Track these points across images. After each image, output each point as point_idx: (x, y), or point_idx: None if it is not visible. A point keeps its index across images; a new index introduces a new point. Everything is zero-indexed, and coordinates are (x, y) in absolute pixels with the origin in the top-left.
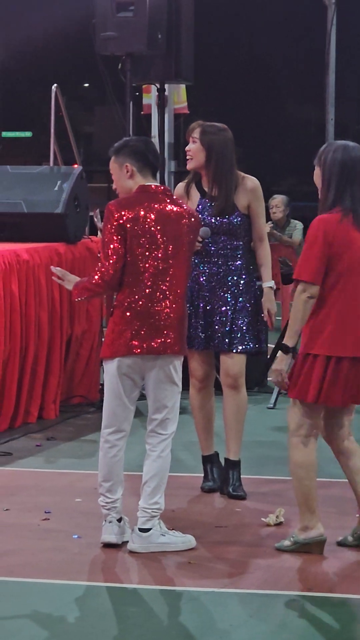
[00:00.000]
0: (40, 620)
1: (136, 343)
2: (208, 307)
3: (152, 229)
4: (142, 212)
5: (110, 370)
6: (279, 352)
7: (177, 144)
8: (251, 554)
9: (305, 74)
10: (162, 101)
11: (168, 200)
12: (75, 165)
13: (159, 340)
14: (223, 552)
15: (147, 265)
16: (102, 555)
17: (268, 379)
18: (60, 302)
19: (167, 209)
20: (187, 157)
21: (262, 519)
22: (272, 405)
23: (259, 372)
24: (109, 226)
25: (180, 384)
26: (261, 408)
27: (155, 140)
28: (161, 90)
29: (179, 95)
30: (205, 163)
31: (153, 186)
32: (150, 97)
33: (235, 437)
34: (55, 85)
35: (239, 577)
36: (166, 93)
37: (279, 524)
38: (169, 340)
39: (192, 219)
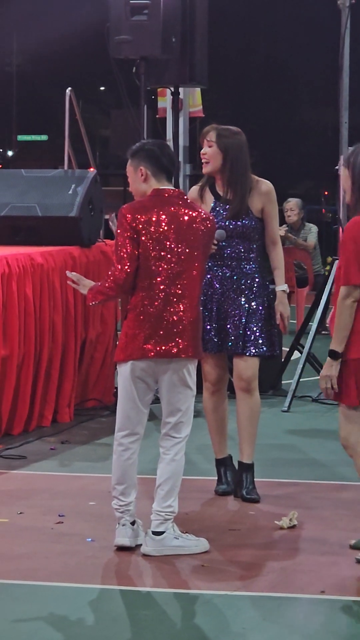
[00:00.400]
0: (53, 624)
1: (149, 347)
2: (222, 310)
3: (166, 232)
4: (155, 216)
5: (124, 373)
6: (328, 358)
7: (193, 147)
8: (264, 557)
9: (321, 78)
10: (176, 104)
11: (182, 204)
12: (90, 169)
13: (173, 344)
14: (236, 555)
15: (160, 269)
16: (115, 559)
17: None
18: (74, 306)
19: (180, 212)
20: (203, 161)
21: (276, 522)
22: (286, 408)
23: (274, 375)
24: (121, 230)
25: (194, 387)
26: (275, 411)
27: (170, 143)
28: (175, 94)
29: (194, 98)
30: (221, 167)
31: (167, 190)
32: (165, 101)
33: (248, 440)
34: (69, 89)
35: (252, 580)
36: (181, 96)
37: (292, 527)
38: (183, 343)
39: (207, 222)
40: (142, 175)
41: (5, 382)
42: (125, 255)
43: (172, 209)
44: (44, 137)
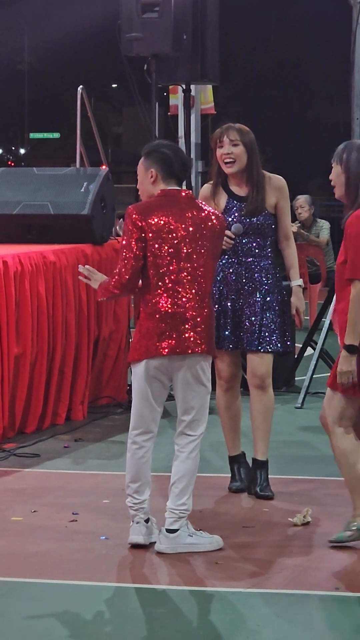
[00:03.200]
0: (68, 621)
1: (163, 344)
2: (237, 307)
3: (173, 231)
4: (162, 216)
5: (138, 373)
6: (344, 352)
7: (205, 144)
8: (278, 554)
9: (333, 74)
10: (187, 102)
11: (190, 204)
12: (102, 167)
13: (186, 341)
14: (250, 552)
15: (170, 267)
16: (129, 556)
17: (337, 381)
18: (87, 303)
19: (188, 211)
20: (227, 160)
21: (290, 518)
22: (299, 405)
23: (287, 371)
24: (127, 230)
25: (209, 385)
26: (289, 408)
27: (182, 140)
28: (187, 91)
29: (205, 95)
30: (246, 165)
31: (175, 190)
32: (177, 98)
33: (262, 437)
34: (81, 87)
35: (266, 577)
36: (192, 93)
37: (306, 524)
38: (196, 340)
39: (216, 221)
40: (151, 177)
41: (18, 380)
42: (129, 255)
43: (180, 208)
44: (56, 135)
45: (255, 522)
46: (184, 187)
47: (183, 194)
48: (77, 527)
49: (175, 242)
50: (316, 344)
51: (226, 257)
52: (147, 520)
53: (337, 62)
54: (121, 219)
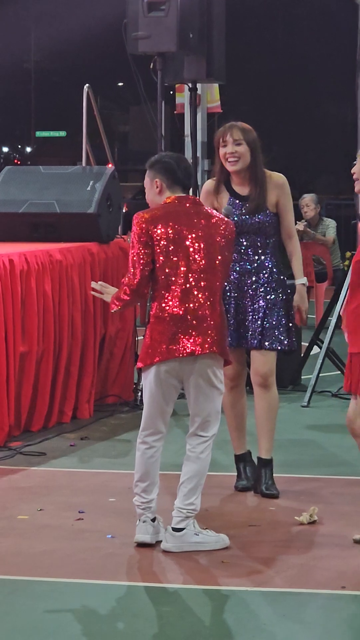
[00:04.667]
0: (74, 620)
1: (172, 347)
2: (240, 305)
3: (180, 236)
4: (169, 221)
5: (149, 377)
6: None
7: (211, 142)
8: (285, 553)
9: (340, 73)
10: (194, 100)
11: (197, 209)
12: (109, 165)
13: (195, 343)
14: (256, 551)
15: (178, 271)
16: (136, 555)
17: None
18: (93, 302)
19: (195, 216)
20: (232, 159)
21: (296, 517)
22: (306, 404)
23: (293, 370)
24: (135, 235)
25: (221, 387)
26: (295, 406)
27: (188, 139)
28: (193, 90)
29: (212, 94)
30: (250, 163)
31: (182, 196)
32: (183, 97)
33: (267, 435)
34: (87, 85)
35: (273, 576)
36: (199, 92)
37: (312, 523)
38: (206, 342)
39: (225, 226)
40: (157, 187)
41: (24, 378)
42: (138, 260)
43: (187, 213)
44: (63, 134)
45: (261, 521)
46: (190, 194)
47: (189, 199)
48: (84, 525)
49: (182, 246)
50: (322, 342)
51: None
52: (153, 520)
53: (343, 61)
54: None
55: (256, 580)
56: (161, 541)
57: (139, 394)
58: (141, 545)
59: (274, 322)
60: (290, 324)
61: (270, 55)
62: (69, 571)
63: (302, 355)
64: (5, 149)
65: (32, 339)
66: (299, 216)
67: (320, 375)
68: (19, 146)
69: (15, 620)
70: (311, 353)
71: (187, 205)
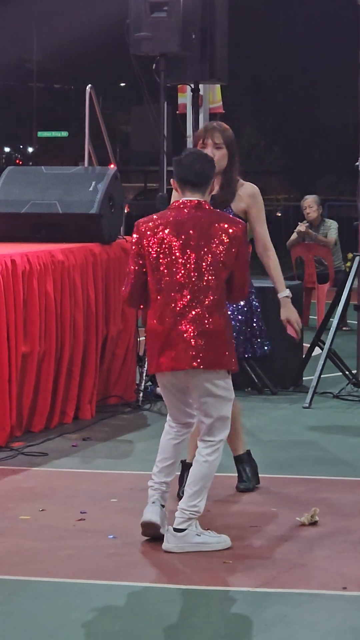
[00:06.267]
0: (76, 620)
1: (161, 360)
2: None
3: (171, 247)
4: (163, 230)
5: (158, 381)
6: None
7: None
8: (286, 554)
9: (341, 74)
10: (196, 101)
11: (199, 213)
12: (111, 165)
13: (175, 357)
14: (258, 551)
15: (163, 284)
16: (137, 556)
17: None
18: (95, 303)
19: (193, 223)
20: None
21: (297, 518)
22: (307, 405)
23: (295, 371)
24: (132, 246)
25: (227, 394)
26: (297, 407)
27: (190, 139)
28: (195, 90)
29: (214, 94)
30: (225, 168)
31: (183, 202)
32: (185, 97)
33: (234, 435)
34: (89, 85)
35: (274, 576)
36: (201, 93)
37: (314, 524)
38: (184, 357)
39: (225, 233)
40: (174, 186)
41: (26, 378)
42: (129, 270)
43: (184, 221)
44: (64, 134)
45: (263, 521)
46: (205, 194)
47: (191, 204)
48: (85, 525)
49: (171, 258)
50: (324, 343)
51: None
52: (162, 506)
53: (345, 62)
54: None
55: (257, 581)
56: (163, 540)
57: (141, 394)
58: (147, 526)
59: (262, 327)
60: (253, 331)
61: (272, 56)
62: (71, 571)
63: (303, 356)
64: (7, 149)
65: (34, 339)
66: (301, 217)
67: (321, 376)
68: (21, 146)
69: (16, 620)
70: (313, 354)
71: (186, 211)
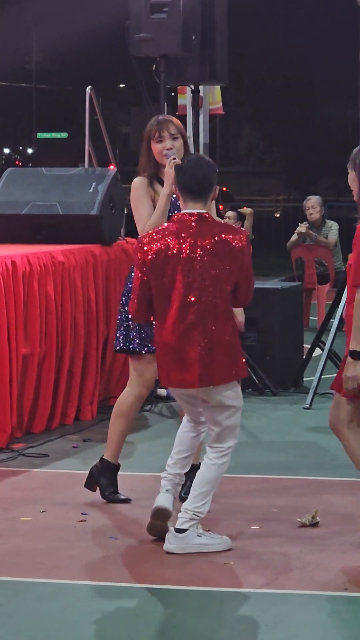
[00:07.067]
0: (77, 622)
1: (171, 376)
2: None
3: (177, 261)
4: (165, 246)
5: (170, 390)
6: (349, 358)
7: (213, 144)
8: (287, 554)
9: (341, 74)
10: (196, 102)
11: (200, 228)
12: (111, 167)
13: (187, 376)
14: (259, 553)
15: (172, 297)
16: (138, 556)
17: (344, 387)
18: (96, 304)
19: (194, 239)
20: (173, 156)
21: (298, 519)
22: (308, 406)
23: (295, 372)
24: (135, 261)
25: (237, 403)
26: (297, 408)
27: (190, 141)
28: (195, 92)
29: (214, 96)
30: (183, 157)
31: (184, 215)
32: (185, 98)
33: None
34: (89, 87)
35: (275, 577)
36: (201, 94)
37: (315, 524)
38: (198, 373)
39: (233, 243)
40: (176, 194)
41: (26, 380)
42: (135, 285)
43: (186, 236)
44: (64, 135)
45: (264, 522)
46: (207, 203)
47: (193, 217)
48: (86, 527)
49: (173, 276)
50: (324, 344)
51: None
52: (174, 498)
53: (345, 63)
54: None
55: (258, 582)
56: (166, 540)
57: None
58: (157, 513)
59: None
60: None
61: (272, 57)
62: (72, 573)
63: (304, 357)
64: (6, 150)
65: (35, 340)
66: (301, 218)
67: (322, 377)
68: (20, 147)
69: (17, 621)
70: (313, 355)
71: (188, 225)
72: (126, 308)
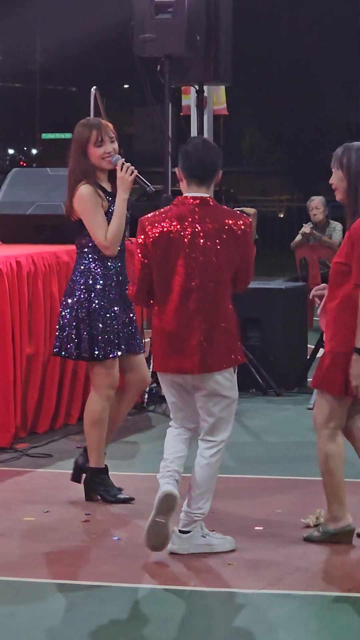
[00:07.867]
0: (80, 622)
1: (168, 362)
2: (123, 310)
3: (178, 246)
4: (167, 229)
5: (160, 379)
6: (355, 355)
7: (217, 144)
8: (291, 555)
9: (344, 75)
10: (200, 102)
11: (201, 213)
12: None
13: (186, 362)
14: (262, 553)
15: (173, 282)
16: (142, 557)
17: (353, 384)
18: None
19: (196, 223)
20: (118, 158)
21: (302, 519)
22: (311, 406)
23: (299, 372)
24: (137, 245)
25: (232, 394)
26: (301, 409)
27: None
28: (200, 92)
29: (218, 96)
30: None
31: (187, 199)
32: (189, 98)
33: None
34: (94, 87)
35: (278, 578)
36: (205, 94)
37: (318, 525)
38: (198, 359)
39: (227, 233)
40: (179, 177)
41: (30, 380)
42: (136, 270)
43: (188, 220)
44: (69, 135)
45: (268, 523)
46: (210, 188)
47: (196, 201)
48: (90, 527)
49: (178, 256)
50: None
51: (112, 259)
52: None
53: (347, 63)
54: None
55: (262, 583)
56: (170, 541)
57: (146, 396)
58: (165, 500)
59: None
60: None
61: (275, 57)
62: (75, 573)
63: (308, 357)
64: (10, 151)
65: (39, 340)
66: (304, 218)
67: None
68: (25, 148)
69: (19, 621)
70: (317, 355)
71: (191, 209)
72: (80, 314)
